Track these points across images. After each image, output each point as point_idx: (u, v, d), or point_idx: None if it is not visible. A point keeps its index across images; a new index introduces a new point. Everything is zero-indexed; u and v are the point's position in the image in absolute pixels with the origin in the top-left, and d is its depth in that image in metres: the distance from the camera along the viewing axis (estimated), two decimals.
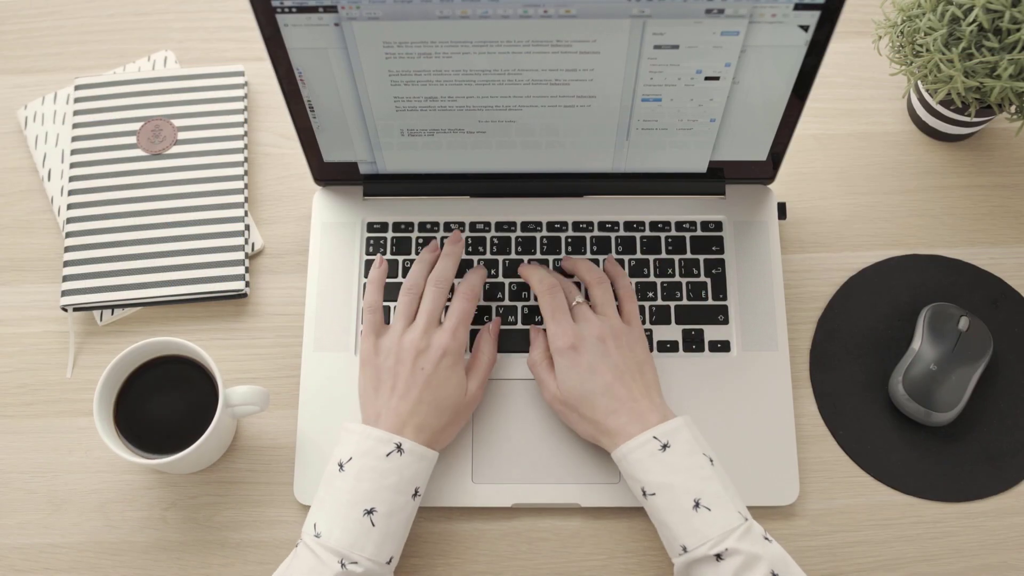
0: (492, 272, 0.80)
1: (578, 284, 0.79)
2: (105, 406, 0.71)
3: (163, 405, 0.72)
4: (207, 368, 0.72)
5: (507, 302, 0.79)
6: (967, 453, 0.76)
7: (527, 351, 0.78)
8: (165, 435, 0.71)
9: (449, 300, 0.76)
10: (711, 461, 0.67)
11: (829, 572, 0.73)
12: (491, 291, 0.80)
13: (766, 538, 0.65)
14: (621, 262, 0.80)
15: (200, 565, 0.74)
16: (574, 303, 0.74)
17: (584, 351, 0.71)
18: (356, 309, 0.79)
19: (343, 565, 0.63)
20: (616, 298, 0.76)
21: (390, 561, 0.66)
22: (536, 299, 0.76)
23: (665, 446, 0.67)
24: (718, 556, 0.63)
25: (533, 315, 0.79)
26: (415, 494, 0.68)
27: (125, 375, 0.72)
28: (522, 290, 0.80)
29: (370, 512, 0.65)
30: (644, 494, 0.67)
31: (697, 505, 0.64)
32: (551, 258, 0.81)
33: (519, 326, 0.79)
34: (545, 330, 0.74)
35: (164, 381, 0.73)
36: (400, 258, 0.81)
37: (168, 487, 0.76)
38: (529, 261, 0.80)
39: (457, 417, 0.72)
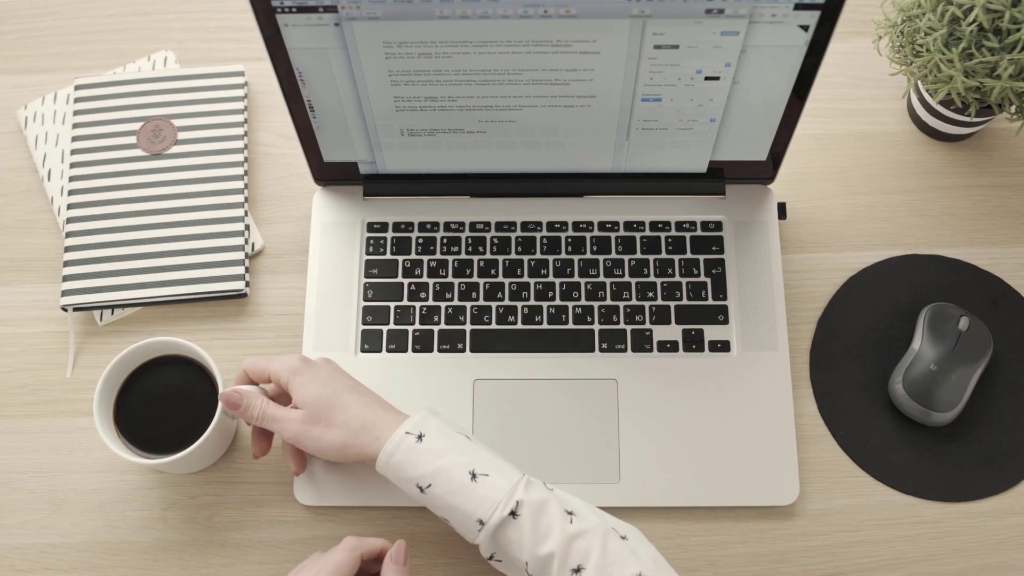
0: (492, 272, 0.80)
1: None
2: (105, 406, 0.71)
3: (163, 405, 0.72)
4: (207, 368, 0.72)
5: (507, 302, 0.79)
6: (967, 453, 0.76)
7: (527, 351, 0.78)
8: (165, 435, 0.71)
9: None
10: (468, 437, 0.67)
11: (829, 572, 0.73)
12: (492, 291, 0.80)
13: (548, 487, 0.65)
14: (621, 262, 0.80)
15: (200, 565, 0.74)
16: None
17: (313, 365, 0.70)
18: (356, 309, 0.79)
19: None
20: None
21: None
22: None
23: (420, 436, 0.66)
24: (512, 513, 0.63)
25: (533, 315, 0.79)
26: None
27: (125, 375, 0.72)
28: (522, 290, 0.80)
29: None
30: (421, 490, 0.65)
31: (474, 476, 0.64)
32: (550, 258, 0.81)
33: (519, 326, 0.79)
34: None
35: (164, 381, 0.73)
36: (400, 258, 0.81)
37: (168, 487, 0.76)
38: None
39: None
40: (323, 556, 0.65)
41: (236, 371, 0.73)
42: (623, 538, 0.63)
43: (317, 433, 0.67)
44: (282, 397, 0.72)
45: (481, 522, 0.63)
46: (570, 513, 0.63)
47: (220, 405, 0.70)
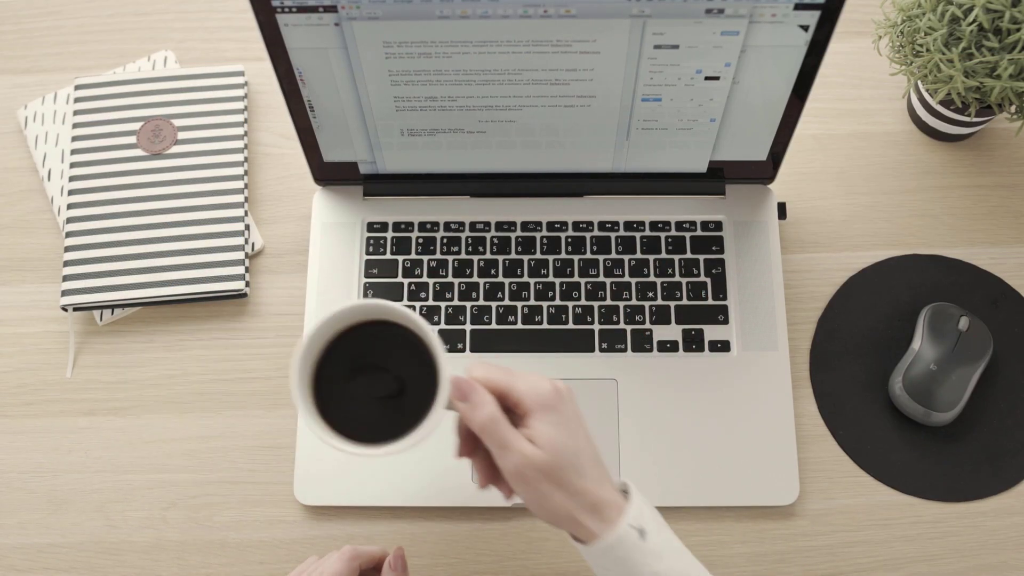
0: (492, 272, 0.80)
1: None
2: (303, 382, 0.58)
3: (360, 379, 0.60)
4: (418, 335, 0.58)
5: (507, 302, 0.79)
6: (967, 453, 0.76)
7: (527, 351, 0.78)
8: (365, 417, 0.59)
9: None
10: (664, 523, 0.60)
11: (829, 572, 0.73)
12: (492, 291, 0.80)
13: None
14: (621, 262, 0.80)
15: (200, 565, 0.74)
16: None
17: (568, 400, 0.59)
18: None
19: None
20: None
21: None
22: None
23: (642, 532, 0.57)
24: None
25: (533, 315, 0.79)
26: None
27: (325, 342, 0.60)
28: (522, 290, 0.80)
29: None
30: None
31: None
32: (550, 258, 0.81)
33: (519, 326, 0.79)
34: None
35: (362, 349, 0.60)
36: (400, 258, 0.81)
37: (168, 487, 0.76)
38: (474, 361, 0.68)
39: None
40: (320, 562, 0.64)
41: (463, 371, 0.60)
42: None
43: (546, 489, 0.56)
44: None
45: None
46: None
47: (440, 397, 0.57)
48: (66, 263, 0.81)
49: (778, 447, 0.75)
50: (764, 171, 0.81)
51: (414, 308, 0.79)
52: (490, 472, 0.60)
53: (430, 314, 0.79)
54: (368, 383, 0.59)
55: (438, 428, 0.57)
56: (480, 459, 0.60)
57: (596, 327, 0.79)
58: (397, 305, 0.58)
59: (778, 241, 0.81)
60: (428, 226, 0.82)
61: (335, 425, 0.58)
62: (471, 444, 0.60)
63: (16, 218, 0.85)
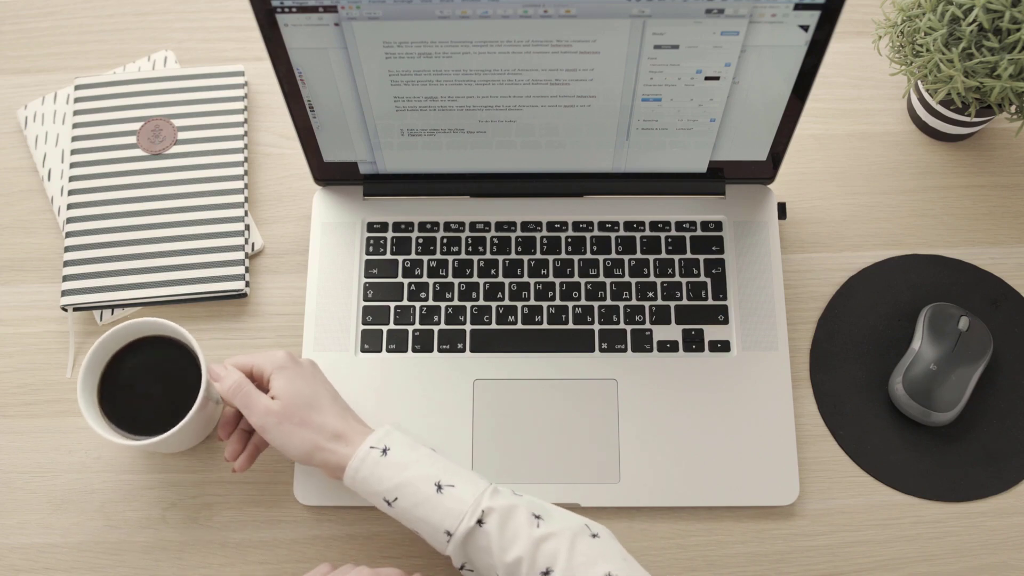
0: (492, 272, 0.80)
1: None
2: (89, 387, 0.71)
3: (148, 386, 0.73)
4: (191, 349, 0.72)
5: (507, 302, 0.79)
6: (967, 453, 0.76)
7: (527, 351, 0.78)
8: (149, 416, 0.71)
9: None
10: (433, 451, 0.67)
11: (829, 572, 0.73)
12: (492, 291, 0.80)
13: (516, 494, 0.65)
14: (621, 262, 0.80)
15: (200, 565, 0.74)
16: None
17: (300, 362, 0.71)
18: (356, 309, 0.79)
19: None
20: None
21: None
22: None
23: (385, 450, 0.66)
24: (479, 522, 0.62)
25: (533, 315, 0.79)
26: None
27: (109, 356, 0.73)
28: (522, 290, 0.80)
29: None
30: (389, 503, 0.65)
31: (439, 487, 0.64)
32: (550, 258, 0.81)
33: (519, 326, 0.79)
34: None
35: (148, 362, 0.73)
36: (400, 258, 0.81)
37: (168, 487, 0.76)
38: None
39: None
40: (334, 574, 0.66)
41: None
42: (594, 536, 0.63)
43: (288, 429, 0.67)
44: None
45: (448, 533, 0.63)
46: (538, 517, 0.63)
47: (203, 385, 0.70)
48: (66, 263, 0.81)
49: (778, 447, 0.75)
50: (764, 171, 0.81)
51: (414, 308, 0.79)
52: (244, 439, 0.72)
53: (430, 314, 0.79)
54: (149, 387, 0.73)
55: (205, 416, 0.72)
56: (237, 435, 0.72)
57: (596, 327, 0.79)
58: (167, 322, 0.72)
59: (778, 241, 0.81)
60: (428, 226, 0.82)
61: (122, 425, 0.71)
62: (229, 428, 0.72)
63: (16, 218, 0.85)
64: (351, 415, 0.70)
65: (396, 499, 0.65)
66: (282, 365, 0.69)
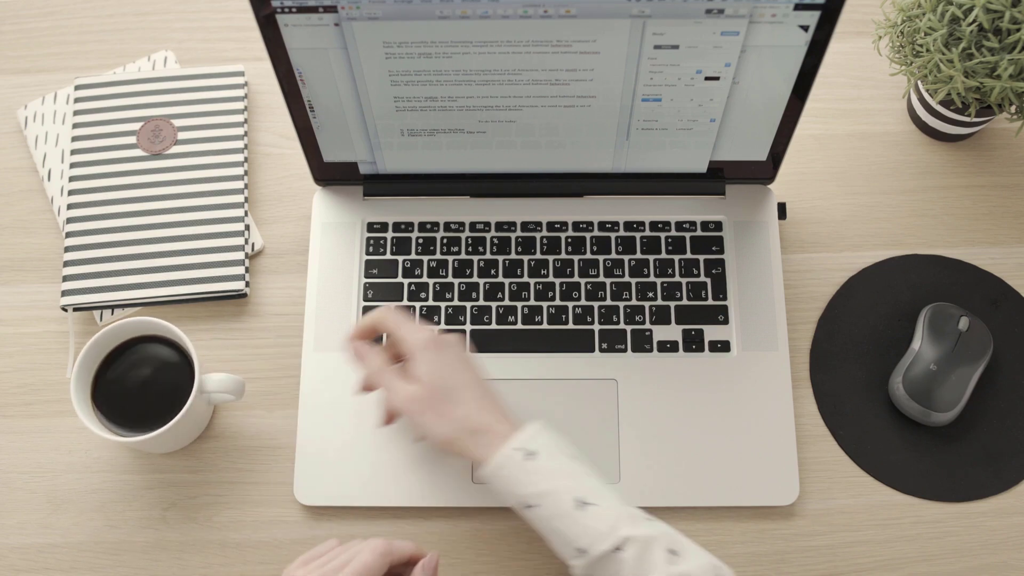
0: (492, 272, 0.80)
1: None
2: (83, 385, 0.72)
3: (142, 385, 0.73)
4: (185, 349, 0.73)
5: (507, 302, 0.79)
6: (967, 453, 0.76)
7: (526, 351, 0.78)
8: (142, 415, 0.72)
9: None
10: (575, 457, 0.66)
11: (829, 572, 0.73)
12: (492, 291, 0.80)
13: (648, 519, 0.64)
14: (621, 262, 0.80)
15: (200, 565, 0.74)
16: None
17: (446, 347, 0.68)
18: (356, 309, 0.79)
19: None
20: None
21: None
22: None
23: (531, 454, 0.64)
24: (617, 548, 0.62)
25: (533, 315, 0.79)
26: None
27: (105, 353, 0.73)
28: (522, 290, 0.80)
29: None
30: (526, 507, 0.64)
31: (581, 504, 0.63)
32: (550, 258, 0.81)
33: (519, 326, 0.79)
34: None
35: (143, 361, 0.74)
36: (400, 258, 0.81)
37: (168, 487, 0.76)
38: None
39: None
40: (345, 549, 0.63)
41: (363, 316, 0.74)
42: None
43: (428, 418, 0.66)
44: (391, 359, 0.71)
45: (581, 551, 0.62)
46: (673, 553, 0.62)
47: (195, 384, 0.70)
48: (66, 263, 0.81)
49: (778, 447, 0.75)
50: (764, 171, 0.81)
51: (414, 308, 0.79)
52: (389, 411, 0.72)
53: (430, 314, 0.79)
54: (143, 386, 0.73)
55: (197, 415, 0.73)
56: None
57: (596, 327, 0.79)
58: (162, 321, 0.72)
59: (778, 241, 0.81)
60: (428, 226, 0.82)
61: (116, 422, 0.72)
62: (389, 417, 0.72)
63: (16, 218, 0.85)
64: (494, 406, 0.67)
65: (535, 507, 0.64)
66: (426, 346, 0.67)
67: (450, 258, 0.81)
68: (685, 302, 0.79)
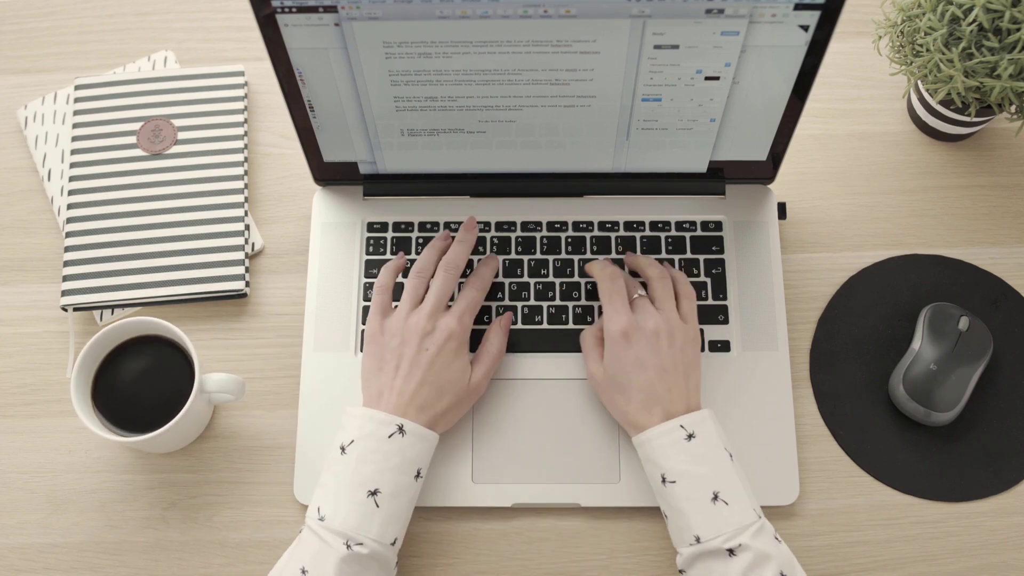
0: (492, 270, 0.80)
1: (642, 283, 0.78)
2: (83, 385, 0.72)
3: (142, 385, 0.73)
4: (185, 349, 0.73)
5: (507, 302, 0.79)
6: (967, 453, 0.76)
7: (528, 351, 0.78)
8: (142, 415, 0.72)
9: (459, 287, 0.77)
10: (731, 456, 0.67)
11: (829, 572, 0.73)
12: (492, 291, 0.80)
13: (777, 538, 0.65)
14: (621, 263, 0.80)
15: (200, 565, 0.74)
16: (635, 296, 0.74)
17: (635, 341, 0.70)
18: (356, 309, 0.79)
19: (348, 546, 0.64)
20: (676, 296, 0.75)
21: (394, 543, 0.66)
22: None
23: (691, 436, 0.67)
24: (730, 551, 0.63)
25: (533, 315, 0.79)
26: (417, 475, 0.68)
27: (105, 353, 0.73)
28: (522, 290, 0.80)
29: (374, 493, 0.65)
30: (664, 480, 0.67)
31: (716, 497, 0.65)
32: (550, 258, 0.81)
33: (519, 326, 0.79)
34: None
35: (143, 361, 0.74)
36: (406, 262, 0.81)
37: (168, 487, 0.76)
38: (588, 261, 0.80)
39: (459, 403, 0.72)
40: (424, 306, 0.73)
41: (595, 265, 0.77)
42: None
43: (607, 397, 0.72)
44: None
45: (698, 539, 0.64)
46: None
47: (196, 384, 0.70)
48: (66, 263, 0.81)
49: (778, 447, 0.75)
50: (764, 171, 0.81)
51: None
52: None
53: None
54: (143, 386, 0.73)
55: (197, 415, 0.73)
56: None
57: None
58: (162, 321, 0.72)
59: (778, 241, 0.81)
60: (428, 226, 0.82)
61: (116, 422, 0.72)
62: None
63: (16, 218, 0.85)
64: (665, 406, 0.69)
65: (674, 482, 0.66)
66: (615, 339, 0.71)
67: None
68: None
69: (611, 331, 0.71)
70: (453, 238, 0.78)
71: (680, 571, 0.67)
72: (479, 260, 0.79)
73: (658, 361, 0.70)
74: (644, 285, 0.77)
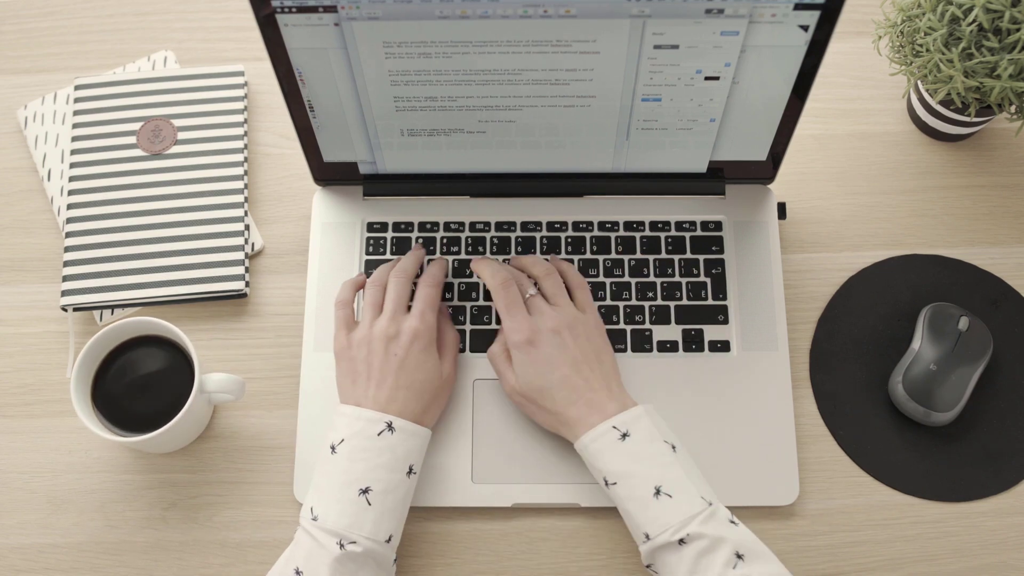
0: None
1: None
2: (83, 385, 0.72)
3: (142, 385, 0.73)
4: (185, 349, 0.73)
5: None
6: (967, 453, 0.76)
7: None
8: (142, 415, 0.72)
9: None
10: (673, 448, 0.67)
11: (829, 572, 0.73)
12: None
13: (732, 521, 0.65)
14: (621, 262, 0.80)
15: (200, 565, 0.74)
16: (527, 295, 0.74)
17: (540, 344, 0.71)
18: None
19: (342, 545, 0.64)
20: (568, 288, 0.76)
21: (389, 539, 0.66)
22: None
23: (625, 435, 0.67)
24: (680, 541, 0.63)
25: None
26: (410, 471, 0.68)
27: (105, 353, 0.74)
28: None
29: (365, 491, 0.66)
30: (606, 483, 0.67)
31: (658, 492, 0.65)
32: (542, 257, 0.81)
33: None
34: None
35: (143, 361, 0.74)
36: (400, 258, 0.81)
37: (168, 487, 0.76)
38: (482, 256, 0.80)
39: (436, 398, 0.72)
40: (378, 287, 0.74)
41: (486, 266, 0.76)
42: None
43: (530, 408, 0.72)
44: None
45: (647, 536, 0.65)
46: (739, 557, 0.63)
47: (196, 384, 0.70)
48: (66, 263, 0.81)
49: (778, 447, 0.75)
50: (764, 171, 0.81)
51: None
52: None
53: None
54: (143, 386, 0.73)
55: (197, 415, 0.73)
56: None
57: None
58: (161, 321, 0.72)
59: (778, 241, 0.81)
60: (428, 226, 0.82)
61: (116, 423, 0.72)
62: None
63: (16, 218, 0.85)
64: (588, 396, 0.69)
65: (615, 483, 0.67)
66: (521, 346, 0.71)
67: (450, 258, 0.81)
68: (685, 302, 0.79)
69: (515, 341, 0.71)
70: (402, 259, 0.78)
71: (647, 565, 0.67)
72: (427, 260, 0.80)
73: (567, 356, 0.70)
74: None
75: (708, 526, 0.63)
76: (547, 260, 0.78)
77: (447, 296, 0.80)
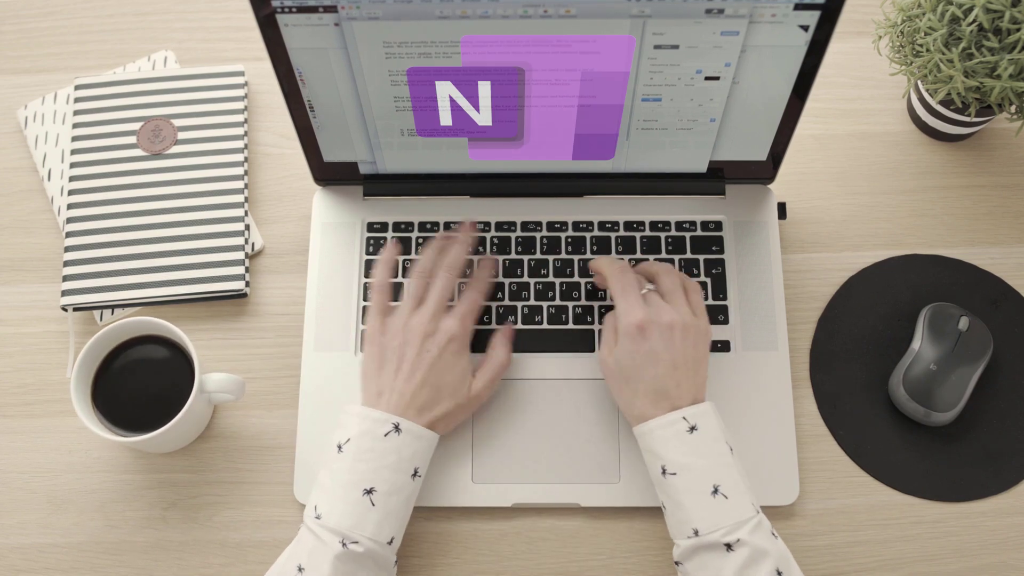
0: (492, 272, 0.80)
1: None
2: (83, 385, 0.72)
3: (142, 385, 0.73)
4: (185, 349, 0.73)
5: (507, 302, 0.79)
6: (967, 453, 0.76)
7: (528, 351, 0.78)
8: (142, 415, 0.72)
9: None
10: (731, 450, 0.67)
11: (829, 572, 0.73)
12: (491, 290, 0.79)
13: (773, 535, 0.65)
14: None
15: (200, 565, 0.74)
16: (644, 290, 0.73)
17: (650, 336, 0.69)
18: (356, 309, 0.79)
19: (344, 545, 0.64)
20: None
21: (391, 541, 0.66)
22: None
23: (693, 428, 0.67)
24: (728, 545, 0.63)
25: (533, 315, 0.79)
26: (415, 474, 0.68)
27: (105, 353, 0.74)
28: (522, 290, 0.80)
29: (369, 492, 0.65)
30: (664, 472, 0.67)
31: (716, 491, 0.65)
32: (550, 258, 0.81)
33: (519, 326, 0.79)
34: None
35: (143, 361, 0.74)
36: (400, 258, 0.81)
37: (168, 487, 0.76)
38: (589, 260, 0.79)
39: (458, 408, 0.72)
40: (426, 305, 0.73)
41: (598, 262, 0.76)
42: None
43: (613, 384, 0.71)
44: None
45: (696, 532, 0.64)
46: (780, 574, 0.63)
47: (196, 384, 0.70)
48: (66, 263, 0.81)
49: (778, 447, 0.75)
50: (764, 171, 0.81)
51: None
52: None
53: None
54: (143, 386, 0.73)
55: (197, 415, 0.73)
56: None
57: (596, 327, 0.79)
58: (161, 321, 0.72)
59: (778, 241, 0.81)
60: (428, 226, 0.82)
61: (116, 422, 0.72)
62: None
63: (16, 218, 0.85)
64: (671, 399, 0.68)
65: (674, 474, 0.66)
66: (630, 335, 0.69)
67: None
68: None
69: (626, 324, 0.70)
70: (453, 236, 0.77)
71: (676, 563, 0.67)
72: (478, 260, 0.79)
73: (671, 356, 0.69)
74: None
75: (756, 536, 0.63)
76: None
77: (499, 296, 0.79)
